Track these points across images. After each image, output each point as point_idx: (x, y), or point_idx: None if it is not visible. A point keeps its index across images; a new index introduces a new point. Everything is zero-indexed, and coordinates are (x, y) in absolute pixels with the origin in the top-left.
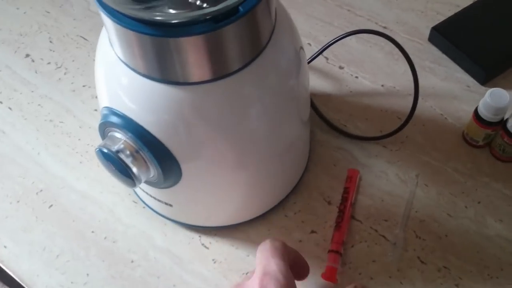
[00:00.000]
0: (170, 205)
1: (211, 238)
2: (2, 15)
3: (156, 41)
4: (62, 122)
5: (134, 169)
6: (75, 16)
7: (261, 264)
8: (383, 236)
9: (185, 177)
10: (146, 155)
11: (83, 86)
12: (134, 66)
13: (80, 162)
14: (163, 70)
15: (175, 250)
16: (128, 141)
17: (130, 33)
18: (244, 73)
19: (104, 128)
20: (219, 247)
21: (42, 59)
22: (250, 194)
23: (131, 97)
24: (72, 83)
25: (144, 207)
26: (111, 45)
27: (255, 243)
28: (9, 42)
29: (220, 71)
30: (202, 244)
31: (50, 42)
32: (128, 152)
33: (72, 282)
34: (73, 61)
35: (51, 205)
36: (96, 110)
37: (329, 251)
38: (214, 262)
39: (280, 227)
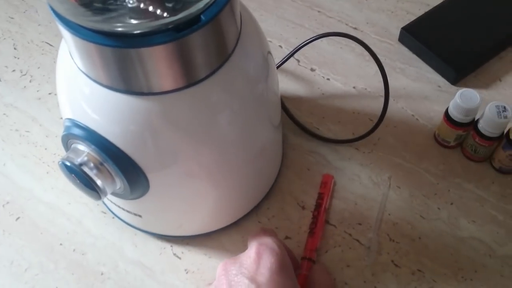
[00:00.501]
0: (140, 216)
1: (183, 247)
2: None
3: (117, 52)
4: (28, 131)
5: (99, 182)
6: (40, 22)
7: (255, 239)
8: (357, 240)
9: (153, 188)
10: (111, 167)
11: (49, 93)
12: (95, 77)
13: (47, 172)
14: (126, 81)
15: (146, 261)
16: (92, 153)
17: (90, 45)
18: (211, 80)
19: (67, 140)
20: (192, 257)
21: (6, 66)
22: (222, 202)
23: (94, 108)
24: (37, 90)
25: (113, 218)
26: (71, 56)
27: (228, 251)
28: None
29: (185, 80)
30: (174, 254)
31: (15, 49)
32: (92, 165)
33: None
34: (38, 68)
35: (18, 218)
36: (62, 118)
37: (302, 258)
38: (187, 273)
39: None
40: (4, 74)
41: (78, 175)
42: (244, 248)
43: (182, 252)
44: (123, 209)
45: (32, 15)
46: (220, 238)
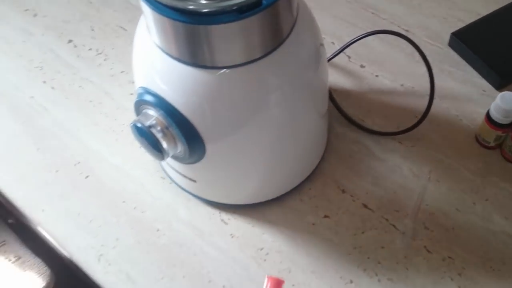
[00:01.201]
0: (194, 181)
1: (230, 215)
2: (46, 2)
3: (188, 28)
4: (100, 103)
5: (164, 144)
6: (115, 8)
7: None
8: (393, 225)
9: (209, 155)
10: (175, 131)
11: (121, 72)
12: (167, 50)
13: (116, 140)
14: (193, 54)
15: (197, 223)
16: (160, 118)
17: (165, 19)
18: (265, 61)
19: (139, 105)
20: (237, 224)
21: (84, 45)
22: (268, 176)
23: (164, 78)
24: (111, 68)
25: (170, 183)
26: (148, 31)
27: (270, 222)
28: (53, 28)
29: (243, 58)
30: (222, 220)
31: (92, 30)
32: (159, 128)
33: (102, 245)
34: (112, 49)
35: (87, 176)
36: (132, 94)
37: None
38: (232, 237)
39: (295, 210)
40: (82, 52)
41: (147, 137)
42: (284, 221)
43: (229, 219)
44: (180, 173)
45: (108, 1)
46: (264, 211)
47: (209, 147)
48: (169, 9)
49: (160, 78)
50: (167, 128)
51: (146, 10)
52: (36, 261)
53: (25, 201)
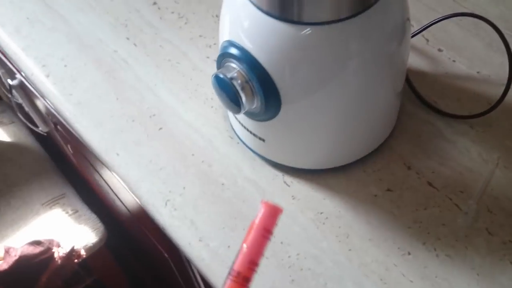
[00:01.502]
0: (263, 140)
1: (293, 178)
2: None
3: None
4: (178, 63)
5: (243, 96)
6: None
7: None
8: (456, 205)
9: (282, 113)
10: (255, 86)
11: (200, 36)
12: (259, 4)
13: (189, 98)
14: (282, 7)
15: (260, 182)
16: (242, 71)
17: None
18: (351, 22)
19: (222, 59)
20: (299, 187)
21: (167, 8)
22: (336, 143)
23: (250, 31)
24: (190, 32)
25: (238, 143)
26: None
27: (332, 190)
28: None
29: (330, 16)
30: (284, 182)
31: None
32: (239, 81)
33: (170, 191)
34: (193, 13)
35: (161, 128)
36: (208, 57)
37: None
38: (293, 198)
39: (358, 180)
40: (164, 14)
41: (227, 89)
42: (346, 189)
43: (291, 182)
44: (250, 131)
45: None
46: (326, 178)
47: (284, 105)
48: None
49: (246, 31)
50: (247, 81)
51: None
52: (92, 216)
53: (101, 145)
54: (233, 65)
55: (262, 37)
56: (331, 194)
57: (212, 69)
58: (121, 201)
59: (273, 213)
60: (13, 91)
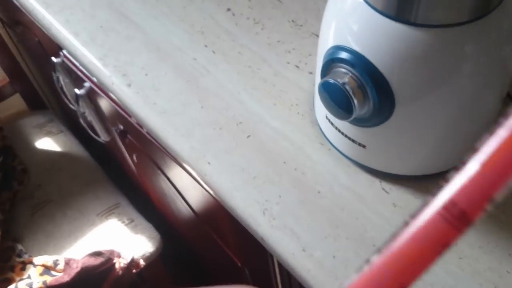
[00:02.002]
0: (363, 146)
1: (391, 184)
2: None
3: None
4: (259, 69)
5: (355, 102)
6: None
7: None
8: None
9: (393, 118)
10: (368, 90)
11: (278, 41)
12: (375, 4)
13: (274, 104)
14: (402, 8)
15: (358, 189)
16: (354, 76)
17: None
18: (469, 27)
19: (329, 65)
20: (399, 194)
21: (241, 14)
22: (440, 147)
23: (366, 34)
24: (268, 37)
25: (330, 149)
26: None
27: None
28: None
29: (451, 19)
30: (383, 189)
31: (249, 0)
32: (351, 86)
33: (266, 200)
34: (269, 19)
35: (249, 136)
36: (288, 63)
37: None
38: (394, 206)
39: None
40: (239, 20)
41: (337, 95)
42: None
43: (390, 188)
44: (350, 138)
45: None
46: (426, 184)
47: (397, 110)
48: None
49: (358, 33)
50: (359, 86)
51: None
52: (148, 225)
53: (191, 154)
54: (344, 70)
55: (379, 39)
56: None
57: (294, 74)
58: (191, 207)
59: None
60: (80, 100)
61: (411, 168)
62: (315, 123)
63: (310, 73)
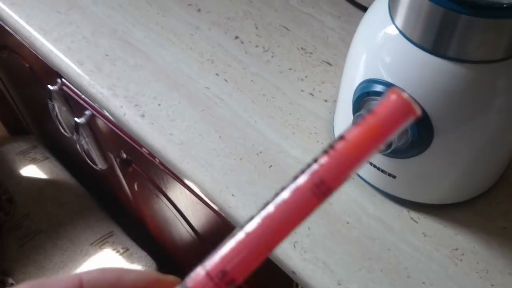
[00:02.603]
0: (393, 177)
1: (419, 214)
2: (210, 0)
3: (450, 17)
4: (273, 97)
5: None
6: (276, 8)
7: None
8: None
9: (429, 150)
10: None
11: (289, 69)
12: (412, 37)
13: (293, 133)
14: (447, 45)
15: (386, 219)
16: None
17: (431, 7)
18: (503, 64)
19: (362, 98)
20: (427, 223)
21: (250, 42)
22: (469, 177)
23: (404, 67)
24: (279, 65)
25: (353, 178)
26: (392, 17)
27: (461, 224)
28: (219, 24)
29: (484, 56)
30: (411, 218)
31: (256, 28)
32: None
33: (296, 232)
34: (278, 46)
35: (271, 166)
36: (302, 90)
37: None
38: (424, 236)
39: (484, 213)
40: (249, 48)
41: None
42: (474, 223)
43: (418, 218)
44: (379, 168)
45: (269, 2)
46: (453, 212)
47: (434, 141)
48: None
49: (396, 65)
50: None
51: None
52: (143, 253)
53: (213, 186)
54: None
55: (416, 72)
56: (461, 229)
57: (310, 102)
58: (196, 234)
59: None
60: (80, 128)
61: (440, 197)
62: None
63: (325, 100)
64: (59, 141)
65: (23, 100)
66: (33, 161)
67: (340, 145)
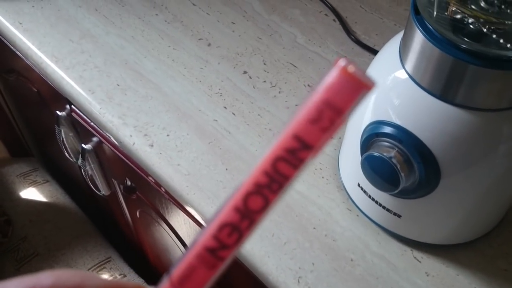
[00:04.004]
0: (399, 216)
1: (422, 253)
2: (220, 35)
3: (460, 66)
4: (280, 132)
5: (402, 175)
6: (284, 46)
7: None
8: None
9: (435, 191)
10: (416, 165)
11: (296, 105)
12: (421, 82)
13: None
14: (456, 93)
15: (390, 258)
16: (400, 151)
17: (441, 56)
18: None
19: (370, 139)
20: (430, 263)
21: (258, 77)
22: (473, 218)
23: (412, 110)
24: (286, 101)
25: (358, 215)
26: (402, 62)
27: (463, 265)
28: (228, 59)
29: (491, 105)
30: (415, 257)
31: (264, 64)
32: (397, 160)
33: (299, 268)
34: (285, 83)
35: None
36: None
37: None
38: (427, 275)
39: (485, 254)
40: (256, 83)
41: (383, 168)
42: (476, 264)
43: (422, 257)
44: (384, 207)
45: (277, 39)
46: (455, 252)
47: (441, 183)
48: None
49: (405, 108)
50: (406, 161)
51: (424, 43)
52: (140, 280)
53: None
54: (388, 144)
55: (425, 116)
56: (463, 270)
57: None
58: None
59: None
60: (86, 154)
61: (443, 237)
62: (341, 188)
63: (331, 137)
64: (60, 164)
65: (27, 122)
66: (33, 183)
67: None
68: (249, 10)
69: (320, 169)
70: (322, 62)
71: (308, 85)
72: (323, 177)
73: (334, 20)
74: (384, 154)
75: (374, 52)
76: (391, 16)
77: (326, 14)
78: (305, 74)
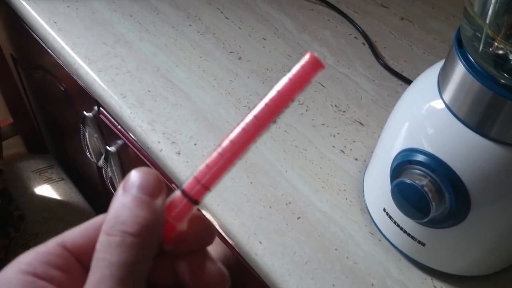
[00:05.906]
0: (423, 244)
1: (442, 283)
2: (251, 49)
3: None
4: (305, 150)
5: (433, 205)
6: None
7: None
8: None
9: (463, 223)
10: (447, 195)
11: (322, 124)
12: (458, 113)
13: (322, 187)
14: (484, 124)
15: (410, 285)
16: (433, 180)
17: (481, 89)
18: None
19: (402, 167)
20: None
21: None
22: (497, 251)
23: (446, 140)
24: (312, 119)
25: (380, 240)
26: (440, 91)
27: None
28: (257, 73)
29: None
30: (434, 286)
31: None
32: (429, 189)
33: None
34: (313, 101)
35: (299, 217)
36: (334, 147)
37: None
38: None
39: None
40: None
41: (413, 196)
42: None
43: (441, 287)
44: (409, 234)
45: None
46: (474, 285)
47: (470, 214)
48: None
49: (439, 138)
50: (437, 190)
51: (464, 75)
52: None
53: (242, 231)
54: (420, 172)
55: (459, 147)
56: None
57: (340, 159)
58: None
59: (315, 66)
60: (109, 156)
61: (465, 268)
62: (364, 210)
63: (356, 159)
64: (77, 164)
65: (47, 120)
66: (48, 180)
67: None
68: (280, 27)
69: (344, 190)
70: (350, 84)
71: (335, 105)
72: (346, 199)
73: (363, 43)
74: (416, 182)
75: (402, 78)
76: (420, 44)
77: (355, 37)
78: (332, 94)
